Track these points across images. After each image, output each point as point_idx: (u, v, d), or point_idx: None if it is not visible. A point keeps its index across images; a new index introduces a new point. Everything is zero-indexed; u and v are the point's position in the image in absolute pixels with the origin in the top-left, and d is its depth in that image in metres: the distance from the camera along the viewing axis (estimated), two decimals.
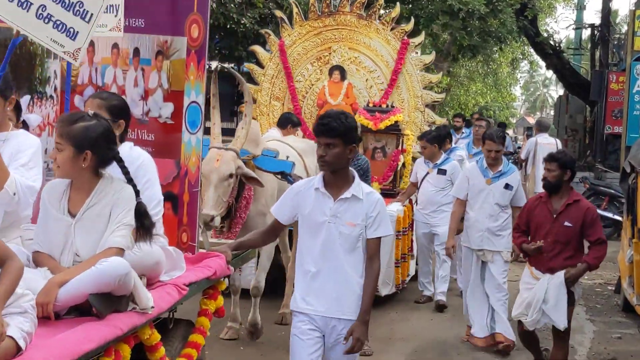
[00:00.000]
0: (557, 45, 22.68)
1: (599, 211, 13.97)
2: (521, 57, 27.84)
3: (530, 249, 6.14)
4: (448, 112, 29.53)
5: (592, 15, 45.12)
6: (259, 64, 11.22)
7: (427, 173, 9.07)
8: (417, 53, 10.91)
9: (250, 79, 11.28)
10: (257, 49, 11.28)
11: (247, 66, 11.40)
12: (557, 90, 52.60)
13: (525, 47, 26.37)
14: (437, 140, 8.97)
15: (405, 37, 10.70)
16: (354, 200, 3.97)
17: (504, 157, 7.50)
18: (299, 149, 8.03)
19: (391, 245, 8.82)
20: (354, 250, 3.95)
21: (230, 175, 6.20)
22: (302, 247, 4.07)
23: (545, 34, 22.50)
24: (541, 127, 13.31)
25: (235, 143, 6.37)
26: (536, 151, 12.05)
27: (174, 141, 4.33)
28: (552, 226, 6.11)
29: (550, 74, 44.87)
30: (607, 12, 23.42)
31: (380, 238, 4.01)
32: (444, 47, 22.28)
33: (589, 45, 27.37)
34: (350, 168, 4.04)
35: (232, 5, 15.27)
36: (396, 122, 10.07)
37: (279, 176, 7.00)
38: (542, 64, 29.79)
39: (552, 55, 22.21)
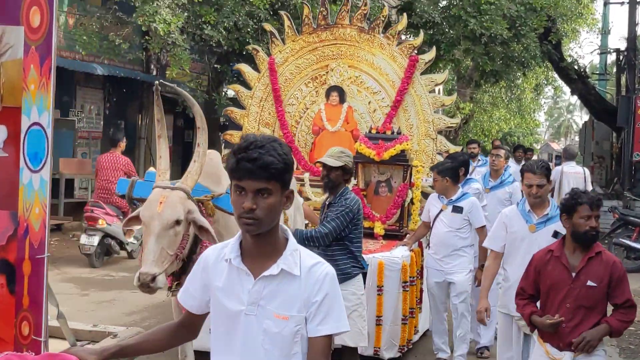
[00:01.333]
0: (582, 70, 21.75)
1: (630, 242, 13.43)
2: (545, 82, 27.21)
3: (546, 323, 4.66)
4: (471, 137, 28.75)
5: (616, 41, 44.17)
6: (247, 85, 9.82)
7: (441, 210, 7.57)
8: (436, 91, 9.43)
9: (237, 102, 9.88)
10: (243, 67, 9.88)
11: (232, 87, 9.99)
12: (581, 116, 52.63)
13: (549, 73, 25.81)
14: (449, 173, 7.48)
15: (414, 54, 9.27)
16: (286, 278, 2.56)
17: (551, 198, 6.04)
18: None
19: (397, 299, 7.35)
20: (288, 358, 2.53)
21: (177, 222, 4.73)
22: (215, 348, 2.63)
23: (569, 59, 21.96)
24: (567, 154, 12.31)
25: (185, 180, 4.92)
26: (561, 181, 11.26)
27: (8, 183, 2.84)
28: (571, 288, 4.70)
29: (574, 99, 44.33)
30: (633, 36, 22.15)
31: (330, 337, 2.57)
32: (467, 74, 22.03)
33: (614, 71, 26.65)
34: (282, 226, 2.63)
35: (247, 30, 14.39)
36: (403, 151, 8.60)
37: None
38: (566, 89, 29.07)
39: (577, 80, 21.36)
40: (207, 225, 4.78)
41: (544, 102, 44.72)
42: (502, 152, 9.21)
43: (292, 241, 2.58)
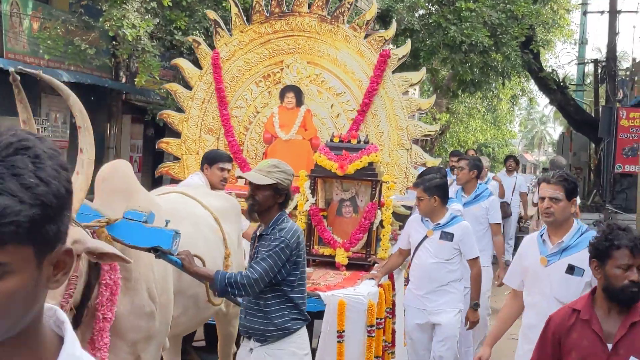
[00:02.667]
0: (560, 80, 21.37)
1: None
2: (520, 93, 26.78)
3: None
4: (447, 149, 29.46)
5: (591, 52, 44.11)
6: (187, 84, 8.30)
7: (425, 237, 6.09)
8: (414, 91, 7.96)
9: (176, 104, 8.35)
10: (181, 63, 8.34)
11: (168, 87, 8.42)
12: (554, 128, 53.54)
13: (525, 83, 25.64)
14: (439, 191, 6.03)
15: (386, 48, 7.81)
16: None
17: (576, 220, 4.65)
18: (215, 208, 5.11)
19: (361, 347, 5.89)
20: None
21: None
22: None
23: (548, 69, 21.50)
24: (555, 166, 11.08)
25: None
26: None
27: None
28: None
29: (547, 111, 44.49)
30: (613, 46, 21.98)
31: None
32: (443, 83, 21.39)
33: (589, 81, 26.33)
34: (58, 314, 1.24)
35: None
36: (371, 163, 7.12)
37: (153, 253, 4.03)
38: (541, 101, 28.93)
39: (556, 91, 20.66)
40: (107, 247, 3.29)
41: (519, 114, 44.70)
42: (464, 163, 7.80)
43: (69, 344, 1.15)
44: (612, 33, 21.70)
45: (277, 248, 4.27)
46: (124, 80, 17.84)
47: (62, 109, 17.59)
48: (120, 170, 4.27)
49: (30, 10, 14.95)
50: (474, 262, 6.01)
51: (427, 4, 15.77)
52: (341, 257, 7.07)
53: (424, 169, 7.43)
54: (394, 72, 7.89)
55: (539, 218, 11.49)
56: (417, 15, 15.84)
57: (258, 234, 4.49)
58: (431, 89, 24.89)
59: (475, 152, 14.55)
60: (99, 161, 3.45)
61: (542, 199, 4.51)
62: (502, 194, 11.77)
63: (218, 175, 6.23)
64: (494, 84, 20.65)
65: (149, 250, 3.98)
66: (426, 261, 6.01)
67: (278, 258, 4.27)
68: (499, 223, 7.85)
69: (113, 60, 16.04)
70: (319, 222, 7.18)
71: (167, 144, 8.27)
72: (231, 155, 7.80)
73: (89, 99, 17.92)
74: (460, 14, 14.94)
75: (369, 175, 7.12)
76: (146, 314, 4.25)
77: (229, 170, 6.35)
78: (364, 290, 6.09)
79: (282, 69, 7.96)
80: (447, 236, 5.95)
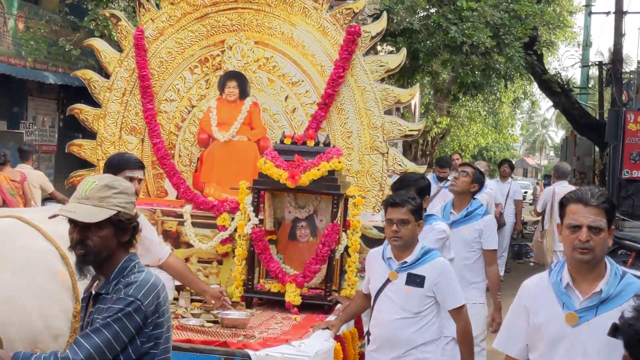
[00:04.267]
0: (565, 83, 20.92)
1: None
2: (522, 96, 26.40)
3: None
4: (448, 154, 29.47)
5: (594, 55, 43.66)
6: (104, 71, 6.58)
7: (388, 281, 4.38)
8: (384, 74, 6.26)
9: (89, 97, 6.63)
10: (96, 44, 6.61)
11: (80, 74, 6.62)
12: (556, 132, 54.41)
13: (527, 86, 25.51)
14: (420, 211, 4.37)
15: (354, 24, 6.08)
16: None
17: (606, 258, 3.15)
18: (66, 240, 3.40)
19: None
20: None
21: None
22: None
23: (552, 72, 21.31)
24: (559, 173, 10.53)
25: None
26: (554, 202, 9.55)
27: None
28: None
29: (549, 114, 44.84)
30: (619, 48, 21.61)
31: None
32: (444, 86, 21.35)
33: (591, 84, 26.80)
34: None
35: None
36: (333, 172, 5.41)
37: None
38: (542, 104, 29.10)
39: (560, 94, 20.22)
40: None
41: (521, 117, 44.63)
42: (469, 169, 6.11)
43: None
44: (618, 34, 21.24)
45: (120, 314, 2.58)
46: None
47: (49, 112, 17.21)
48: None
49: (15, 10, 14.70)
50: (458, 313, 4.32)
51: (426, 6, 15.17)
52: (292, 296, 5.37)
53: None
54: (366, 54, 6.16)
55: (543, 228, 10.01)
56: (416, 14, 15.14)
57: (94, 292, 2.77)
58: (432, 92, 24.73)
59: (460, 157, 12.91)
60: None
61: (575, 227, 2.86)
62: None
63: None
64: (496, 87, 20.00)
65: None
66: (389, 316, 4.29)
67: (121, 329, 2.57)
68: (495, 250, 6.11)
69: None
70: (264, 249, 5.47)
71: (79, 147, 6.52)
72: (158, 160, 6.10)
73: (78, 101, 16.73)
74: (461, 14, 14.22)
75: (329, 188, 5.41)
76: None
77: (140, 180, 4.63)
78: (313, 346, 4.39)
79: (223, 51, 6.23)
80: (416, 280, 4.25)
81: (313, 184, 5.38)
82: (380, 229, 5.84)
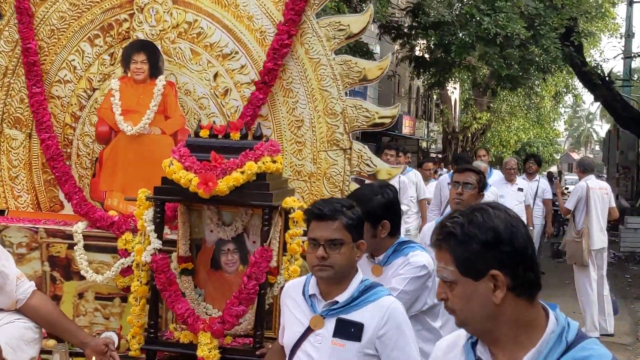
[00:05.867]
0: (606, 75, 20.11)
1: None
2: (565, 90, 26.65)
3: None
4: (490, 150, 29.55)
5: (637, 47, 43.08)
6: None
7: (308, 329, 2.85)
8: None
9: None
10: None
11: None
12: (602, 126, 54.77)
13: (569, 80, 25.45)
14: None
15: None
16: None
17: None
18: None
19: None
20: None
21: None
22: None
23: (592, 64, 20.70)
24: (585, 167, 9.28)
25: None
26: (588, 198, 8.76)
27: None
28: None
29: (594, 108, 45.16)
30: None
31: None
32: (483, 81, 21.51)
33: (637, 77, 26.96)
34: None
35: None
36: (262, 175, 3.83)
37: None
38: (586, 98, 28.98)
39: (601, 86, 19.43)
40: None
41: (564, 111, 44.31)
42: (473, 178, 4.43)
43: None
44: None
45: None
46: None
47: None
48: None
49: None
50: None
51: None
52: (206, 349, 3.81)
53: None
54: (318, 15, 4.57)
55: (576, 227, 8.68)
56: (448, 5, 15.01)
57: None
58: (471, 87, 25.25)
59: (487, 153, 11.27)
60: None
61: None
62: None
63: None
64: (535, 80, 19.78)
65: None
66: None
67: None
68: None
69: None
70: (169, 284, 3.93)
71: None
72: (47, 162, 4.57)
73: None
74: (494, 4, 13.93)
75: (257, 197, 3.83)
76: None
77: None
78: None
79: (132, 15, 4.67)
80: (350, 330, 2.71)
81: (236, 192, 3.80)
82: None
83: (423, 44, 16.96)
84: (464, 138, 28.37)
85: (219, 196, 3.81)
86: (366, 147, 4.50)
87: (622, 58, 24.21)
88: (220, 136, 4.00)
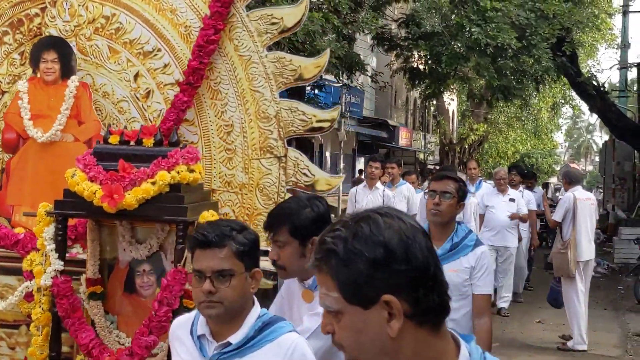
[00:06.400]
0: (601, 86, 20.15)
1: None
2: (562, 101, 26.45)
3: None
4: (488, 161, 29.86)
5: (636, 57, 43.09)
6: None
7: None
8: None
9: None
10: None
11: None
12: (601, 136, 54.69)
13: (567, 91, 25.30)
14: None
15: None
16: None
17: None
18: None
19: None
20: None
21: None
22: None
23: (587, 74, 20.80)
24: (571, 179, 9.03)
25: None
26: (575, 210, 8.61)
27: None
28: None
29: (594, 119, 45.88)
30: None
31: None
32: (479, 92, 21.17)
33: (635, 87, 26.22)
34: None
35: None
36: (176, 187, 3.37)
37: None
38: (585, 109, 28.93)
39: (596, 97, 19.46)
40: None
41: (563, 123, 44.79)
42: (451, 187, 3.92)
43: None
44: None
45: None
46: None
47: None
48: None
49: None
50: None
51: (449, 4, 14.79)
52: None
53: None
54: (250, 7, 4.12)
55: (563, 238, 8.57)
56: (438, 16, 15.11)
57: None
58: (467, 99, 25.14)
59: (477, 165, 10.75)
60: None
61: None
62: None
63: None
64: (529, 91, 19.63)
65: None
66: None
67: None
68: (489, 295, 3.93)
69: None
70: (73, 310, 3.48)
71: None
72: None
73: None
74: (485, 15, 13.84)
75: (170, 212, 3.37)
76: None
77: None
78: None
79: (44, 9, 4.20)
80: None
81: (146, 206, 3.34)
82: (269, 274, 3.86)
83: (417, 54, 16.84)
84: (461, 149, 28.26)
85: (128, 210, 3.35)
86: (303, 154, 4.04)
87: (617, 68, 24.33)
88: (132, 142, 3.54)
